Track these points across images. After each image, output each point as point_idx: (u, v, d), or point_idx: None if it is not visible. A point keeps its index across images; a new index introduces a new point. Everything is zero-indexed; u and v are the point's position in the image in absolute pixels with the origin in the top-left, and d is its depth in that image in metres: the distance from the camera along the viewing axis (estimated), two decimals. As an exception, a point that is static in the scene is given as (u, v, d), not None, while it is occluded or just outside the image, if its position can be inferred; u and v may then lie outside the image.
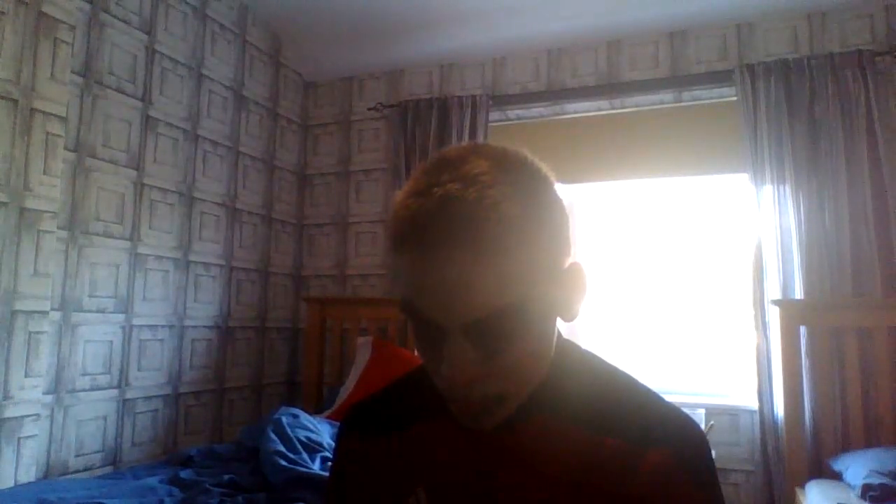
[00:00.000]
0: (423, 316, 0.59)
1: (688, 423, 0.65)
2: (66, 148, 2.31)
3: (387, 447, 0.73)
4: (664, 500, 0.60)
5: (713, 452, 0.71)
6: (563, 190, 0.70)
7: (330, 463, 2.10)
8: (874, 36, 2.75)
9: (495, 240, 0.56)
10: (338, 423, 2.59)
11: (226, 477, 2.02)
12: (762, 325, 2.69)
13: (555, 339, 0.67)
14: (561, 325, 0.69)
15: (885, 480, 1.98)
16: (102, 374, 2.48)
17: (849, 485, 2.14)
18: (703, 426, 2.47)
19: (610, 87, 3.13)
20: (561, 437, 0.65)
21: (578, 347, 0.73)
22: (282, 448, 2.09)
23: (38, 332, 2.11)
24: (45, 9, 2.17)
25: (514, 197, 0.58)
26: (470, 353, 0.59)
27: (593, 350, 0.74)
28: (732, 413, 2.81)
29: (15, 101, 2.07)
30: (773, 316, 2.62)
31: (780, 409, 2.58)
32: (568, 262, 0.64)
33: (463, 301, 0.56)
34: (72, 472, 2.33)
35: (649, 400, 0.67)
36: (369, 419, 0.77)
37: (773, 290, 2.68)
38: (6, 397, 2.00)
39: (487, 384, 0.60)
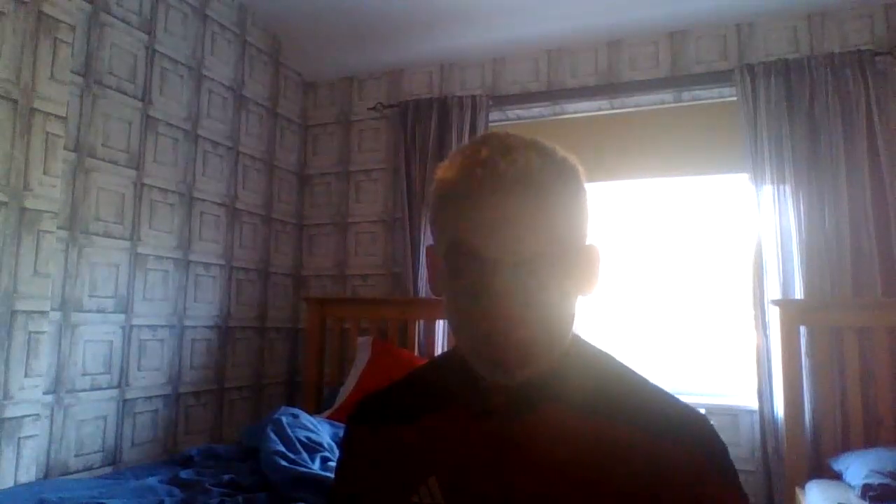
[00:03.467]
0: (476, 253, 0.63)
1: (705, 422, 0.66)
2: (66, 148, 2.31)
3: (396, 439, 0.73)
4: (698, 499, 0.61)
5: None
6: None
7: (334, 461, 2.11)
8: (874, 36, 2.75)
9: (549, 187, 0.63)
10: (338, 423, 2.60)
11: (226, 477, 2.02)
12: (762, 325, 2.69)
13: (574, 314, 0.69)
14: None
15: (885, 480, 1.98)
16: (102, 374, 2.48)
17: (849, 485, 2.14)
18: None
19: (610, 87, 3.13)
20: (571, 427, 0.65)
21: (589, 343, 0.74)
22: (282, 448, 2.09)
23: (38, 332, 2.11)
24: (45, 9, 2.16)
25: (552, 166, 0.65)
26: (517, 289, 0.62)
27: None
28: (732, 413, 2.81)
29: (15, 102, 2.07)
30: (773, 316, 2.62)
31: (780, 409, 2.58)
32: (586, 243, 0.70)
33: (519, 237, 0.62)
34: (72, 472, 2.33)
35: (662, 396, 0.68)
36: (377, 412, 0.78)
37: (773, 290, 2.68)
38: (6, 397, 2.00)
39: (522, 327, 0.63)
